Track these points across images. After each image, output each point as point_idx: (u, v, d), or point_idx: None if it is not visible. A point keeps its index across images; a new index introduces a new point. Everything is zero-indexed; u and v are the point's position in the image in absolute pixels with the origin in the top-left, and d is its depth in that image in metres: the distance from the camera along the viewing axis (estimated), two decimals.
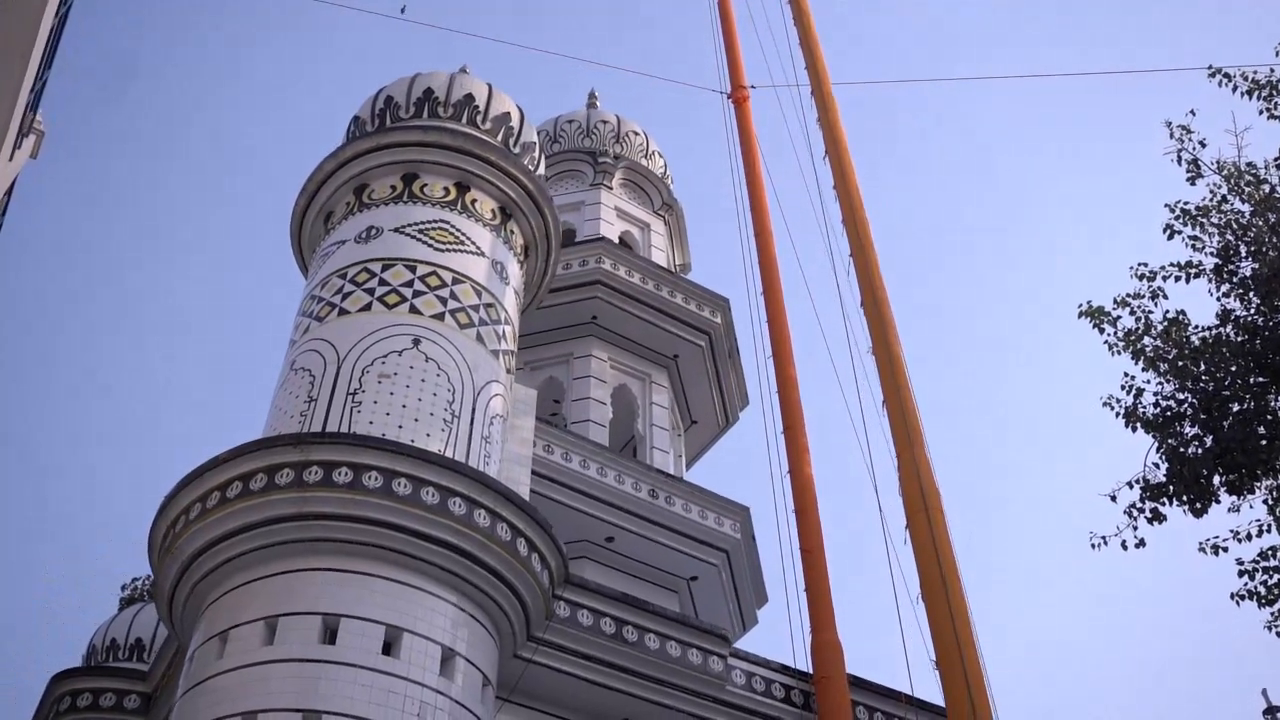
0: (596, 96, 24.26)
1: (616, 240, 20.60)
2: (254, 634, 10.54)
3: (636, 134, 22.91)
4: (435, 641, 10.83)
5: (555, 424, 16.97)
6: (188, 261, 52.07)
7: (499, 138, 16.40)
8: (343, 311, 13.48)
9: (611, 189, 21.60)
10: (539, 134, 22.97)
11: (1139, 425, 14.95)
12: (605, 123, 22.79)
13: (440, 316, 13.51)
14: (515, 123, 16.80)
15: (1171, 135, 15.09)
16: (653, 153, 22.96)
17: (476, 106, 16.49)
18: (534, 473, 15.01)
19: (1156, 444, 15.00)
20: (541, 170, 17.46)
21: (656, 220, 21.92)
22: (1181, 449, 14.82)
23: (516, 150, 16.55)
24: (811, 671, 13.54)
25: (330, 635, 10.46)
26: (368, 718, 10.02)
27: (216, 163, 54.40)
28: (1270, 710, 16.43)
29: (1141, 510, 14.94)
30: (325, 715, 9.95)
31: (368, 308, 13.44)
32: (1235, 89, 12.49)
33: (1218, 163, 14.13)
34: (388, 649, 10.55)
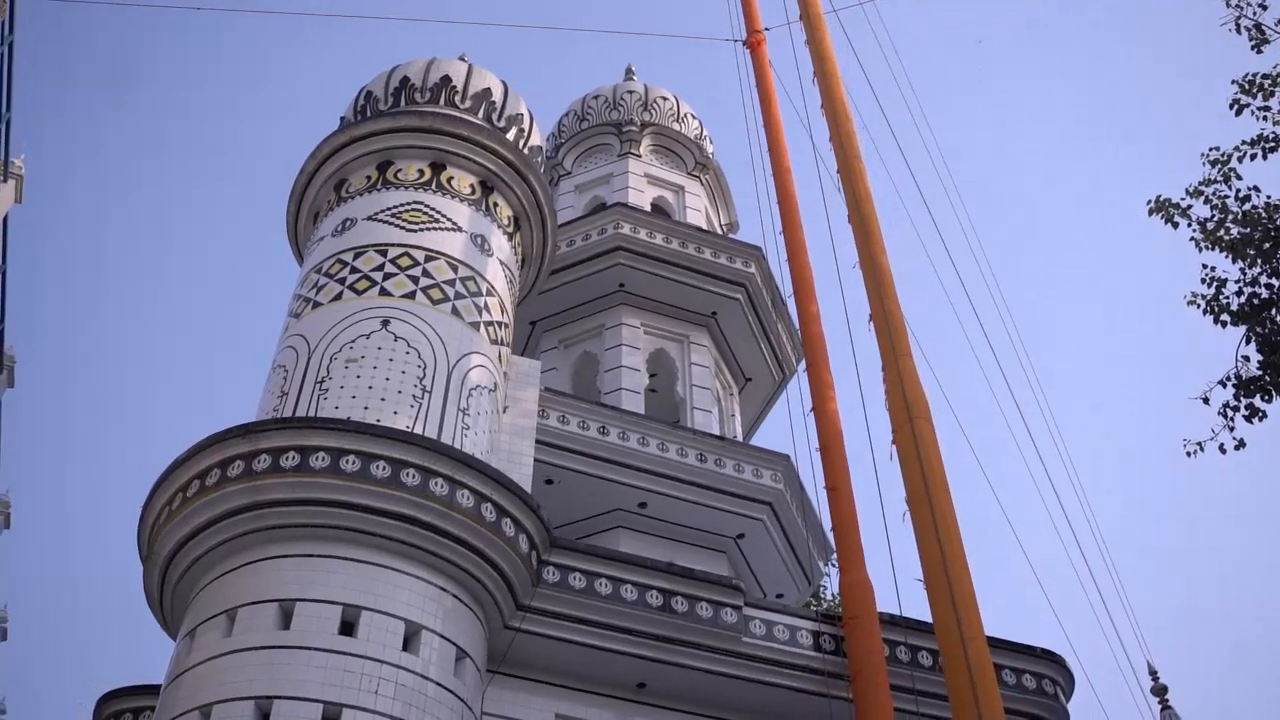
0: (634, 71, 23.75)
1: (648, 207, 20.03)
2: (216, 628, 10.43)
3: (665, 99, 22.27)
4: (398, 617, 10.49)
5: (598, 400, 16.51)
6: (196, 264, 53.92)
7: (480, 114, 16.10)
8: (316, 305, 13.39)
9: (640, 156, 21.02)
10: (568, 114, 22.71)
11: (1227, 319, 13.62)
12: (632, 93, 22.24)
13: (411, 295, 13.26)
14: (497, 97, 16.48)
15: (1228, 3, 13.72)
16: (684, 115, 22.26)
17: (454, 87, 16.24)
18: (551, 445, 14.61)
19: (1246, 336, 13.61)
20: (536, 141, 17.06)
21: (692, 182, 21.21)
22: (1275, 337, 13.42)
23: (501, 124, 16.22)
24: (840, 613, 12.66)
25: (286, 620, 10.27)
26: (322, 699, 9.75)
27: (222, 163, 56.26)
28: None
29: (1237, 408, 13.57)
30: (277, 700, 9.73)
31: (339, 297, 13.31)
32: None
33: None
34: (348, 629, 10.28)
